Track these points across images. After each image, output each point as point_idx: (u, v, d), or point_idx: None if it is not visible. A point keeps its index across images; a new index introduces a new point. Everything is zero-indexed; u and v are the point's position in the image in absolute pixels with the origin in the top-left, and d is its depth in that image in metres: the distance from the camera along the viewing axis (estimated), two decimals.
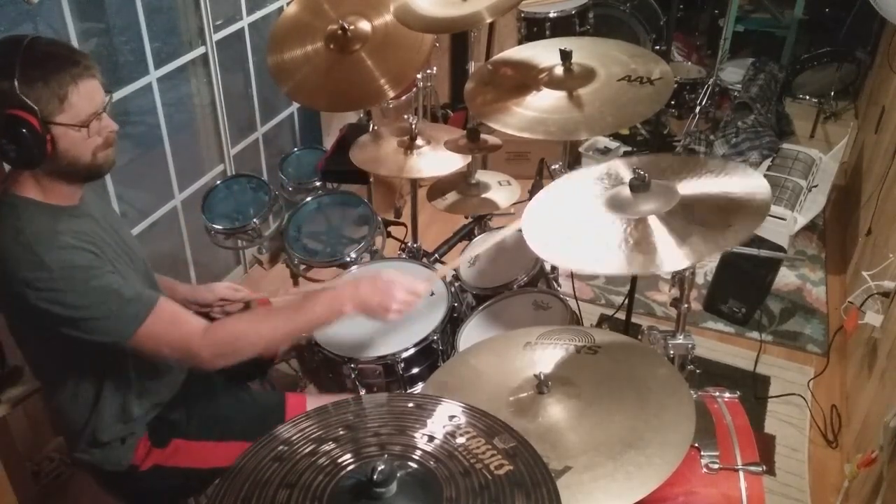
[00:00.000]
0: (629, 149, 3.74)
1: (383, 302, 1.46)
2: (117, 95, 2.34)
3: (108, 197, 1.67)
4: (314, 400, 1.64)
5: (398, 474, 0.93)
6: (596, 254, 1.39)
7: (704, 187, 1.49)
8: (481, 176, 2.27)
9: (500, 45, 3.41)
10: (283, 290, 2.07)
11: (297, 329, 1.48)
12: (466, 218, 2.48)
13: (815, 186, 3.21)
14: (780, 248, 2.71)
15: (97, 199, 1.56)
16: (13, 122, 1.27)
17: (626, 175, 1.54)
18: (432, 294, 1.93)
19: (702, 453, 1.39)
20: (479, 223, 2.43)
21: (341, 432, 1.09)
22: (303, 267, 2.26)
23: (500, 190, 2.24)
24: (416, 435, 1.07)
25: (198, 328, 1.42)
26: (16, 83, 1.26)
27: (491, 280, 2.10)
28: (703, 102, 3.95)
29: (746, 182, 1.46)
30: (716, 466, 1.38)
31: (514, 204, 2.22)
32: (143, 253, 1.64)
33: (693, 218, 1.40)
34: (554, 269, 2.32)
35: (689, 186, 1.49)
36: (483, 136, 2.11)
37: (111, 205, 1.66)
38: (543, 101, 1.86)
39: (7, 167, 1.41)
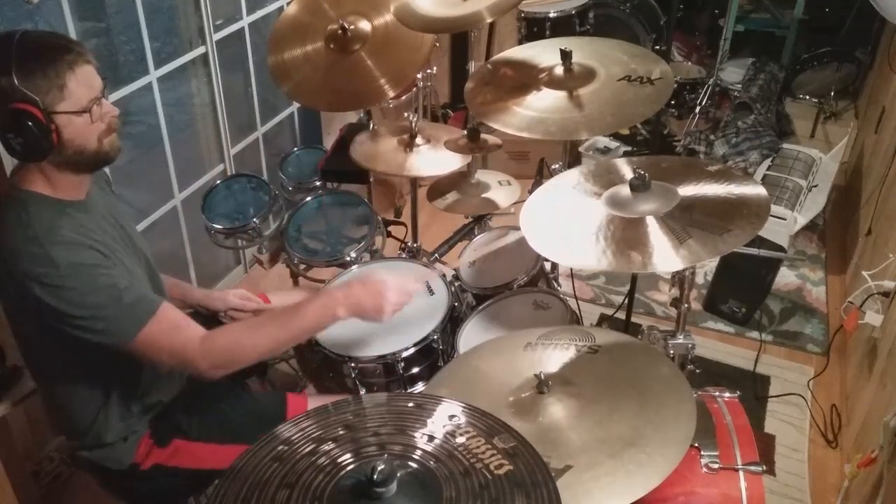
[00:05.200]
0: (629, 149, 3.74)
1: (376, 304, 1.45)
2: (117, 95, 2.34)
3: (111, 192, 1.66)
4: (315, 400, 1.64)
5: (398, 474, 0.93)
6: (593, 251, 1.39)
7: (704, 190, 1.49)
8: (481, 176, 2.27)
9: (500, 45, 3.42)
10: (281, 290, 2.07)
11: (292, 336, 1.46)
12: (466, 218, 2.48)
13: (815, 186, 3.21)
14: (780, 248, 2.71)
15: (104, 195, 1.56)
16: (17, 116, 1.27)
17: (627, 174, 1.54)
18: (432, 293, 1.93)
19: (702, 453, 1.39)
20: (479, 223, 2.43)
21: (341, 432, 1.09)
22: (303, 267, 2.26)
23: (500, 190, 2.24)
24: (416, 435, 1.07)
25: (195, 336, 1.41)
26: (14, 77, 1.26)
27: (491, 280, 2.10)
28: (703, 102, 3.95)
29: (746, 188, 1.46)
30: (716, 466, 1.38)
31: (514, 204, 2.22)
32: (149, 251, 1.64)
33: (692, 220, 1.40)
34: (554, 268, 2.32)
35: (690, 188, 1.49)
36: (483, 135, 2.11)
37: (118, 201, 1.66)
38: (543, 101, 1.86)
39: (13, 163, 1.40)
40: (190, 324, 1.44)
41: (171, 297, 1.71)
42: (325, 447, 1.05)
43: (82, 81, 1.33)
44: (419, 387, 1.81)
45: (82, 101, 1.33)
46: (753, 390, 2.51)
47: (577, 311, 2.09)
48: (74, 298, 1.31)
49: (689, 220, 1.40)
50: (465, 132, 2.13)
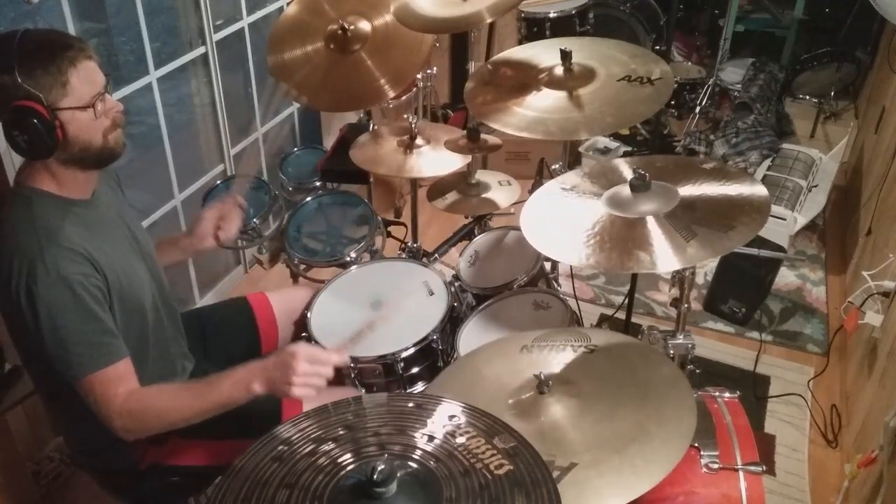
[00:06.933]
0: (629, 149, 3.74)
1: (283, 377, 1.37)
2: (117, 95, 2.33)
3: (120, 191, 1.66)
4: (310, 398, 1.64)
5: (398, 474, 0.93)
6: (597, 252, 1.39)
7: (703, 188, 1.49)
8: (481, 176, 2.27)
9: (500, 45, 3.41)
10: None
11: (207, 408, 1.41)
12: (466, 218, 2.48)
13: (815, 186, 3.21)
14: (780, 248, 2.71)
15: (110, 193, 1.56)
16: (21, 114, 1.28)
17: (626, 174, 1.54)
18: (432, 293, 1.93)
19: (702, 453, 1.39)
20: (479, 223, 2.43)
21: (341, 432, 1.09)
22: (303, 267, 2.26)
23: (500, 190, 2.24)
24: (416, 435, 1.07)
25: (124, 392, 1.38)
26: (17, 75, 1.27)
27: (491, 280, 2.10)
28: (703, 102, 3.95)
29: (744, 186, 1.46)
30: (716, 466, 1.38)
31: (514, 204, 2.22)
32: (152, 248, 1.64)
33: (695, 218, 1.40)
34: (554, 268, 2.32)
35: (688, 187, 1.49)
36: (483, 136, 2.11)
37: (124, 198, 1.65)
38: (543, 101, 1.86)
39: (14, 163, 1.40)
40: (129, 379, 1.40)
41: (161, 258, 1.69)
42: (325, 447, 1.05)
43: (84, 77, 1.33)
44: (419, 387, 1.81)
45: (85, 97, 1.33)
46: (753, 390, 2.51)
47: (577, 312, 2.09)
48: (50, 311, 1.30)
49: (692, 219, 1.40)
50: (465, 132, 2.13)
